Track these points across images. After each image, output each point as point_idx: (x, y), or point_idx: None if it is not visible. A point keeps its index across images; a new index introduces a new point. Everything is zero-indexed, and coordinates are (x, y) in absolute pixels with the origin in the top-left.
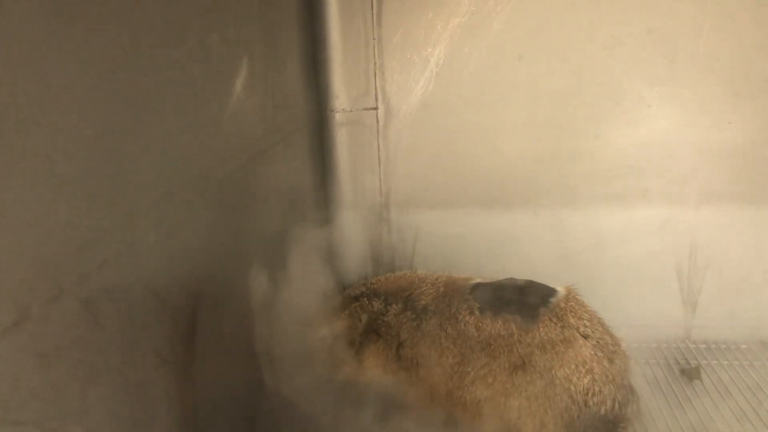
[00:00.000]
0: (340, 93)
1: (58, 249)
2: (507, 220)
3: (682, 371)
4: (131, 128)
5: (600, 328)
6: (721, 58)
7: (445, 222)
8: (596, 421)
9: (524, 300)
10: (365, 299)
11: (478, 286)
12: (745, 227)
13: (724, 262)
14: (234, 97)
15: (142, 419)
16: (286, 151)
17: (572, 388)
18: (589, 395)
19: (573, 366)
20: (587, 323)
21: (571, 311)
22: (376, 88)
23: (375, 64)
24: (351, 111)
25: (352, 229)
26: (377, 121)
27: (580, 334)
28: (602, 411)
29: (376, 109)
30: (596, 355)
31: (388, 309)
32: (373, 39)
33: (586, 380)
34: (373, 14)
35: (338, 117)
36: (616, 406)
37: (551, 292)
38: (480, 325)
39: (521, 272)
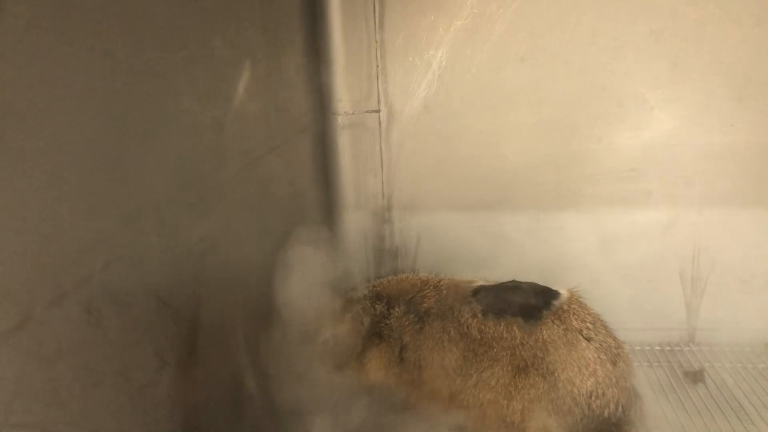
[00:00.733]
0: (343, 96)
1: (60, 251)
2: (510, 223)
3: (686, 374)
4: (133, 131)
5: (603, 331)
6: (724, 60)
7: (448, 225)
8: (599, 424)
9: (527, 303)
10: (368, 302)
11: (480, 288)
12: (749, 229)
13: (727, 264)
14: (236, 99)
15: (144, 422)
16: (289, 153)
17: (575, 390)
18: (593, 398)
19: (576, 369)
20: (590, 326)
21: (573, 314)
22: (378, 90)
23: (377, 66)
24: (353, 114)
25: (354, 232)
26: (380, 124)
27: (583, 336)
28: (605, 414)
29: (378, 111)
30: (599, 357)
31: (391, 312)
32: (376, 42)
33: (589, 383)
34: (375, 17)
35: (341, 120)
36: (620, 408)
37: (554, 294)
38: (483, 327)
39: (524, 275)
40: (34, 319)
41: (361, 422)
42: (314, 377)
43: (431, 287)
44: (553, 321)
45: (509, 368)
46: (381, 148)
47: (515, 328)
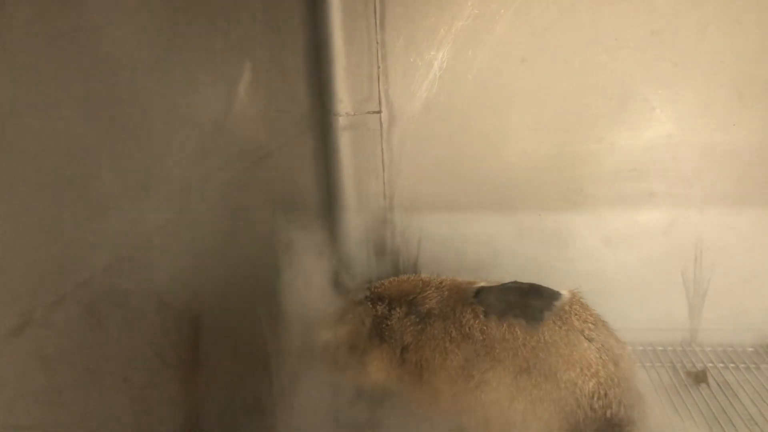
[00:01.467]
0: (344, 97)
1: (60, 253)
2: (511, 224)
3: (689, 374)
4: (134, 132)
5: (605, 331)
6: (726, 60)
7: (450, 225)
8: (602, 425)
9: (529, 303)
10: (369, 303)
11: (482, 289)
12: (751, 229)
13: (729, 264)
14: (237, 100)
15: (145, 424)
16: (290, 154)
17: (577, 391)
18: (595, 398)
19: (578, 369)
20: (592, 326)
21: (575, 314)
22: (379, 91)
23: (378, 67)
24: (354, 115)
25: (355, 233)
26: (381, 125)
27: (584, 337)
28: (608, 414)
29: (379, 112)
30: (601, 358)
31: (392, 313)
32: (377, 42)
33: (591, 383)
34: (376, 18)
35: (341, 121)
36: (622, 409)
37: (556, 295)
38: (484, 328)
39: (525, 275)
40: (35, 321)
41: (363, 424)
42: (316, 378)
43: (433, 288)
44: (554, 322)
45: (511, 369)
46: (382, 149)
47: (517, 329)
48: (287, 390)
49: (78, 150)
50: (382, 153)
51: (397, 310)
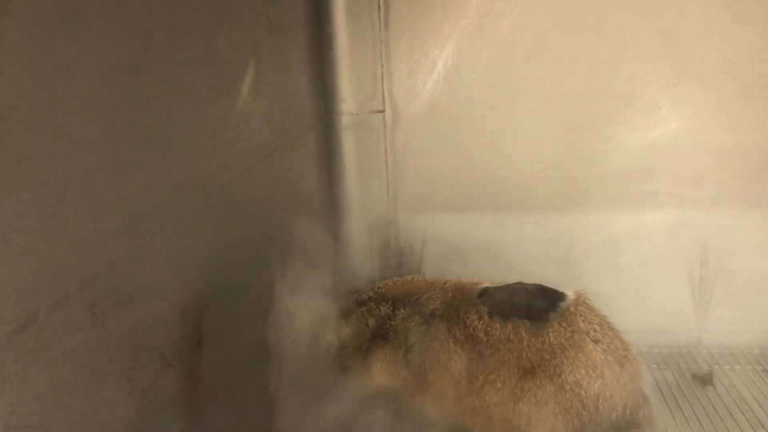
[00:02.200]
0: (347, 96)
1: (63, 253)
2: (516, 224)
3: (694, 376)
4: (136, 131)
5: (610, 333)
6: (733, 59)
7: (454, 226)
8: (607, 427)
9: (533, 304)
10: (372, 304)
11: (486, 290)
12: (758, 230)
13: (736, 265)
14: (240, 100)
15: (148, 423)
16: (293, 154)
17: (582, 393)
18: (600, 400)
19: (583, 371)
20: (597, 328)
21: (580, 316)
22: (383, 90)
23: (382, 66)
24: (358, 114)
25: (359, 233)
26: (384, 124)
27: (590, 338)
28: (613, 416)
29: (383, 111)
30: (606, 359)
31: (396, 314)
32: (381, 41)
33: (596, 385)
34: (380, 16)
35: (345, 120)
36: (627, 411)
37: (561, 296)
38: (489, 330)
39: (530, 276)
40: (38, 321)
41: (366, 425)
42: (319, 379)
43: (437, 289)
44: (559, 323)
45: (516, 371)
46: (386, 149)
47: (522, 330)
48: (291, 390)
49: (79, 149)
50: (386, 153)
51: (401, 311)
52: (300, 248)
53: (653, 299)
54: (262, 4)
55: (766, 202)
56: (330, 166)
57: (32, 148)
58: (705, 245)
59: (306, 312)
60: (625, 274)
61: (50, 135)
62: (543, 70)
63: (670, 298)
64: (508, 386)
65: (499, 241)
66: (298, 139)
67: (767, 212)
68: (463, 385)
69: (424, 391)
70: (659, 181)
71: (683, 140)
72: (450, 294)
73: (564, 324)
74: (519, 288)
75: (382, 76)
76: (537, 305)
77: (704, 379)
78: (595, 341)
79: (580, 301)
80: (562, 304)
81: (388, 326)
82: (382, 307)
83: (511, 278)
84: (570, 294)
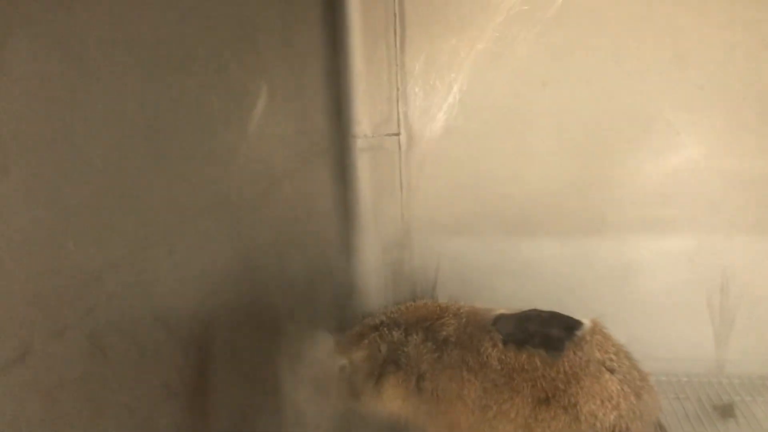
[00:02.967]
0: (363, 119)
1: (63, 282)
2: (532, 249)
3: (715, 407)
4: (144, 157)
5: (627, 362)
6: (754, 85)
7: (469, 250)
8: None
9: (549, 332)
10: (385, 329)
11: (501, 317)
12: None
13: (757, 292)
14: (253, 123)
15: None
16: (307, 177)
17: (598, 424)
18: None
19: (599, 401)
20: (614, 357)
21: (597, 344)
22: (398, 113)
23: (398, 89)
24: (373, 137)
25: (372, 256)
26: (399, 147)
27: (606, 368)
28: None
29: (398, 135)
30: (623, 390)
31: (408, 339)
32: (396, 65)
33: (612, 416)
34: (396, 40)
35: (360, 143)
36: None
37: (576, 324)
38: (503, 357)
39: (546, 303)
40: (35, 351)
41: None
42: (330, 406)
43: (450, 315)
44: (575, 352)
45: (530, 400)
46: (400, 172)
47: (536, 358)
48: (299, 420)
49: (83, 175)
50: (401, 176)
51: (414, 336)
52: (312, 272)
53: (672, 327)
54: (275, 28)
55: None
56: (345, 189)
57: (35, 176)
58: (724, 272)
59: (316, 336)
60: (642, 301)
61: (54, 162)
62: (559, 95)
63: (690, 326)
64: (522, 416)
65: (515, 266)
66: (313, 162)
67: None
68: (476, 414)
69: (436, 419)
70: (677, 206)
71: (701, 165)
72: (464, 320)
73: (579, 353)
74: (534, 315)
75: (398, 99)
76: (552, 333)
77: (725, 411)
78: (611, 371)
79: (597, 329)
80: (578, 333)
81: (400, 352)
82: (394, 333)
83: (526, 305)
84: (586, 322)
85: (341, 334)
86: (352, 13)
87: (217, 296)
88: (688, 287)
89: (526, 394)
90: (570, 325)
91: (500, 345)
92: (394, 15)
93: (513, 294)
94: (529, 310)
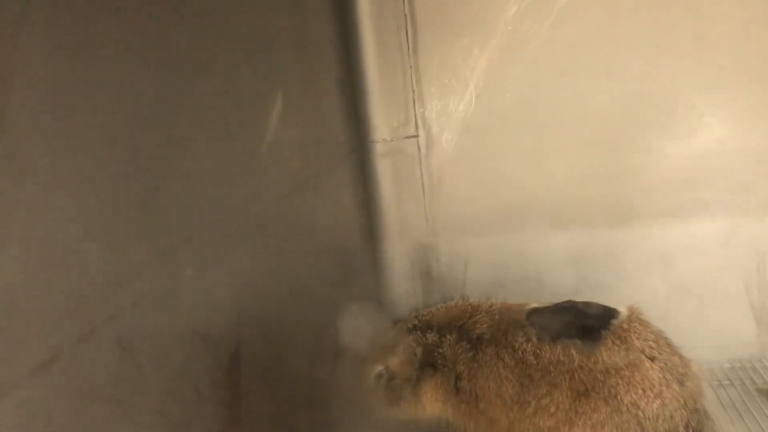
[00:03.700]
0: (380, 123)
1: (89, 287)
2: (561, 242)
3: (760, 392)
4: (162, 163)
5: (667, 349)
6: None
7: (496, 247)
8: None
9: (584, 323)
10: (418, 332)
11: (534, 311)
12: None
13: None
14: (269, 129)
15: None
16: (327, 182)
17: (641, 414)
18: (660, 421)
19: (640, 391)
20: (653, 344)
21: (635, 332)
22: (415, 116)
23: (413, 91)
24: (392, 141)
25: (399, 260)
26: (419, 149)
27: (646, 356)
28: None
29: (417, 137)
30: (665, 378)
31: (443, 340)
32: (410, 67)
33: (655, 405)
34: (408, 42)
35: (379, 147)
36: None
37: (613, 313)
38: (538, 351)
39: (579, 295)
40: (64, 355)
41: None
42: (368, 414)
43: (483, 312)
44: (613, 341)
45: (569, 393)
46: (421, 174)
47: (573, 350)
48: (336, 426)
49: (105, 182)
50: (422, 177)
51: (448, 337)
52: (339, 276)
53: (710, 313)
54: (289, 35)
55: None
56: (366, 194)
57: (57, 181)
58: (761, 254)
59: (350, 343)
60: (678, 288)
61: (72, 168)
62: (577, 84)
63: (729, 311)
64: (562, 410)
65: (544, 261)
66: (332, 168)
67: None
68: (516, 411)
69: (476, 418)
70: (707, 189)
71: (729, 146)
72: (497, 317)
73: (618, 342)
74: (568, 306)
75: (414, 102)
76: (588, 324)
77: None
78: (652, 359)
79: (634, 317)
80: (615, 322)
81: (436, 354)
82: (428, 335)
83: (559, 297)
84: (622, 310)
85: (374, 342)
86: (362, 18)
87: (245, 301)
88: (724, 272)
89: (564, 387)
90: (606, 314)
91: (535, 339)
92: (405, 17)
93: (545, 287)
94: (564, 302)
